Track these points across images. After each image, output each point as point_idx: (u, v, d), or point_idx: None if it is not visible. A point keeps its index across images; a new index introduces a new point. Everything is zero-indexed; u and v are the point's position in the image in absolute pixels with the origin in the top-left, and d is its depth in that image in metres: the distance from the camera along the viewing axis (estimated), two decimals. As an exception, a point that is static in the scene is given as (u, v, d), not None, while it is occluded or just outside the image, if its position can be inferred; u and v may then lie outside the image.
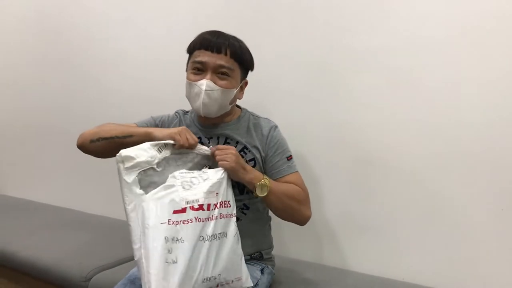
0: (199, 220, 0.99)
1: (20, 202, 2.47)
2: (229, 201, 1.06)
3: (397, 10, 1.37)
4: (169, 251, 0.95)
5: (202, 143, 1.18)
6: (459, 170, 1.31)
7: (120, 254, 1.60)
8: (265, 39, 1.62)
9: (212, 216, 1.01)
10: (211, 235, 0.99)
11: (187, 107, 1.26)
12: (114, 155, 1.13)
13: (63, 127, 2.35)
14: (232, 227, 1.05)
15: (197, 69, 1.15)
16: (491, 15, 1.24)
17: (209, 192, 1.02)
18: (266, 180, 1.11)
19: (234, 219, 1.06)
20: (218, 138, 1.22)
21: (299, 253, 1.61)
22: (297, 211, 1.17)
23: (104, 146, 1.16)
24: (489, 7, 1.23)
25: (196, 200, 1.00)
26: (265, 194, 1.10)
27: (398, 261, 1.42)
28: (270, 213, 1.35)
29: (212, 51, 1.13)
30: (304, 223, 1.20)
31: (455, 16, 1.28)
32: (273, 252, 1.35)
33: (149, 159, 1.03)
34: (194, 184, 1.02)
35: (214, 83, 1.14)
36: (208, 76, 1.13)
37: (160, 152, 1.05)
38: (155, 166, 1.03)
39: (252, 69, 1.24)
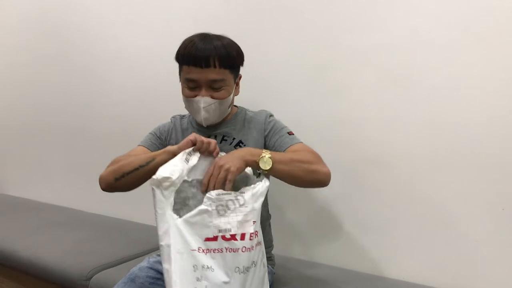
0: (230, 250, 0.95)
1: (21, 201, 2.48)
2: (258, 232, 1.00)
3: (398, 9, 1.37)
4: (198, 279, 0.94)
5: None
6: (459, 169, 1.31)
7: (121, 253, 1.60)
8: (265, 38, 1.62)
9: (250, 246, 0.96)
10: (247, 266, 0.96)
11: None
12: (141, 184, 1.13)
13: (64, 126, 2.35)
14: (261, 254, 1.01)
15: (190, 86, 1.15)
16: (492, 13, 1.23)
17: (244, 221, 0.97)
18: (265, 152, 1.05)
19: (262, 245, 1.02)
20: (215, 137, 1.23)
21: (299, 252, 1.61)
22: (312, 172, 1.10)
23: (131, 180, 1.12)
24: (490, 4, 1.23)
25: (228, 229, 0.96)
26: (270, 165, 1.03)
27: (398, 260, 1.42)
28: (271, 211, 1.35)
29: (201, 67, 1.11)
30: (327, 182, 1.13)
31: (456, 14, 1.28)
32: (273, 251, 1.35)
33: (182, 173, 0.99)
34: (229, 209, 0.97)
35: (211, 97, 1.14)
36: (203, 92, 1.14)
37: (188, 162, 1.01)
38: (186, 177, 1.00)
39: (242, 64, 1.22)
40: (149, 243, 1.69)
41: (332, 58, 1.50)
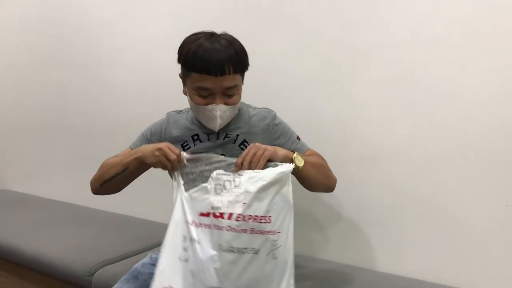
0: (217, 227, 0.97)
1: (24, 197, 2.48)
2: (268, 216, 0.98)
3: (401, 6, 1.36)
4: (185, 249, 0.99)
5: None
6: (462, 166, 1.30)
7: (124, 249, 1.60)
8: (267, 35, 1.61)
9: (236, 227, 0.97)
10: (231, 247, 0.96)
11: (185, 105, 1.25)
12: (125, 186, 1.20)
13: (66, 123, 2.36)
14: (267, 245, 0.98)
15: (203, 94, 1.11)
16: (495, 12, 1.22)
17: (234, 202, 0.98)
18: (296, 152, 1.11)
19: (274, 237, 0.99)
20: (218, 133, 1.21)
21: (302, 248, 1.61)
22: (328, 177, 1.21)
23: (113, 185, 1.18)
24: (492, 4, 1.22)
25: (218, 207, 0.98)
26: (302, 163, 1.09)
27: (401, 257, 1.42)
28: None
29: (215, 75, 1.06)
30: (334, 188, 1.25)
31: (459, 11, 1.27)
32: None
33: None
34: (225, 189, 1.00)
35: (225, 103, 1.11)
36: (217, 100, 1.10)
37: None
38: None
39: (249, 64, 1.18)
40: (151, 239, 1.69)
41: (337, 55, 1.48)
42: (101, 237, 1.74)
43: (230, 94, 1.11)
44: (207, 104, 1.11)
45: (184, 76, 1.15)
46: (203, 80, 1.07)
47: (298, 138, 1.25)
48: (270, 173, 1.01)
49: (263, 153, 1.03)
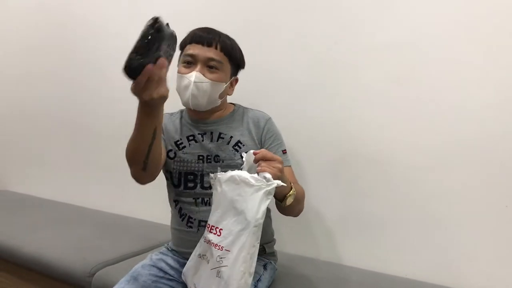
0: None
1: (24, 197, 2.48)
2: (218, 228, 0.90)
3: (401, 6, 1.36)
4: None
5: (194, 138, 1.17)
6: (462, 167, 1.30)
7: (124, 250, 1.60)
8: (267, 34, 1.61)
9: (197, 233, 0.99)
10: (197, 253, 0.99)
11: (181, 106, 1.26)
12: (162, 153, 1.09)
13: (67, 122, 2.36)
14: (213, 258, 0.90)
15: (188, 62, 1.16)
16: (496, 12, 1.23)
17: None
18: (293, 189, 1.04)
19: (220, 253, 0.90)
20: (211, 133, 1.22)
21: (300, 249, 1.61)
22: (300, 210, 1.18)
23: (153, 160, 1.02)
24: (494, 4, 1.22)
25: None
26: (291, 202, 1.03)
27: (400, 258, 1.42)
28: (271, 206, 1.35)
29: (203, 45, 1.14)
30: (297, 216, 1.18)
31: (460, 11, 1.27)
32: (276, 248, 1.34)
33: None
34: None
35: (204, 75, 1.14)
36: (198, 68, 1.14)
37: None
38: None
39: (243, 67, 1.24)
40: (151, 240, 1.70)
41: (336, 55, 1.49)
42: (101, 238, 1.74)
43: (211, 65, 1.15)
44: (189, 73, 1.14)
45: (178, 58, 1.19)
46: (191, 48, 1.15)
47: (284, 151, 1.23)
48: (230, 186, 0.91)
49: (273, 170, 0.94)
